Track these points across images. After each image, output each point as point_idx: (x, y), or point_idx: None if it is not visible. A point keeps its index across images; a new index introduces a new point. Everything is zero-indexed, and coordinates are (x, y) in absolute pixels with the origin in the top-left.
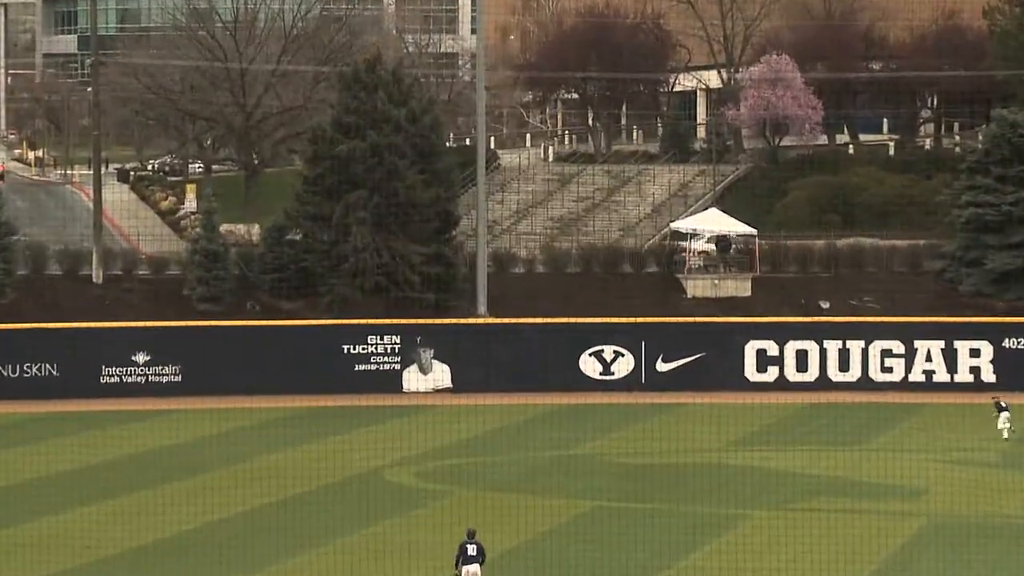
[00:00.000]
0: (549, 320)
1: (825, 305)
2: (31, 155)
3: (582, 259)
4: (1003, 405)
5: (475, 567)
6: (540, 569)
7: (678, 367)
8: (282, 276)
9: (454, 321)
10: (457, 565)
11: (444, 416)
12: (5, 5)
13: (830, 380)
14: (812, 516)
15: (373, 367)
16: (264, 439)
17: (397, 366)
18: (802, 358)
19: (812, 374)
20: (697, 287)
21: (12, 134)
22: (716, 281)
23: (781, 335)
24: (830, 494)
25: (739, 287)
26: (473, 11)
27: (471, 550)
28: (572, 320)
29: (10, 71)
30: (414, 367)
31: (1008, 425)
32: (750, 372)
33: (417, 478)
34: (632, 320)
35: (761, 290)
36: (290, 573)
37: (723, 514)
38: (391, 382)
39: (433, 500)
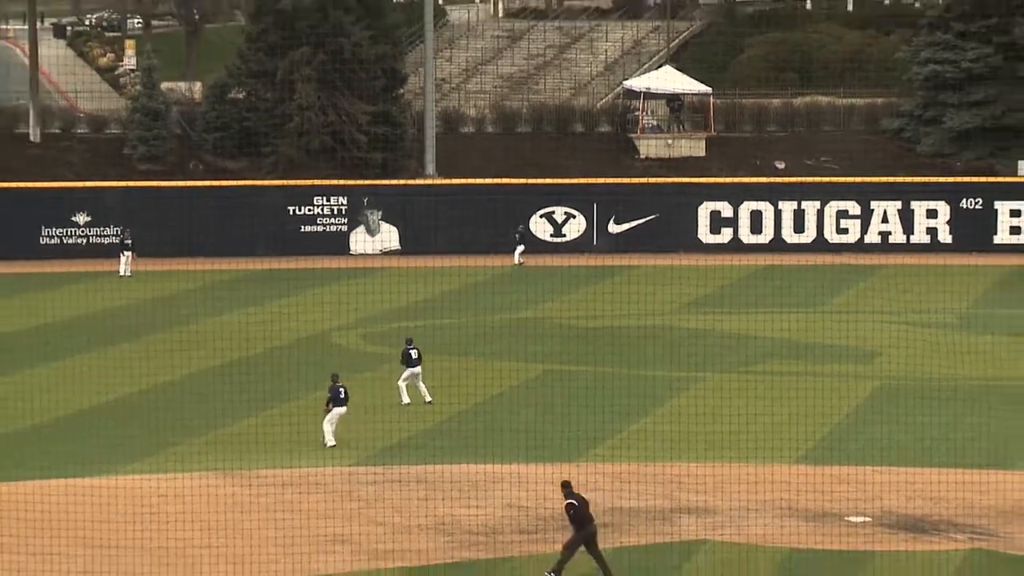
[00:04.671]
0: (499, 181)
1: (781, 165)
2: None
3: (533, 118)
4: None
5: (343, 409)
6: (490, 433)
7: (630, 229)
8: (225, 135)
9: (402, 182)
10: (328, 406)
11: (392, 278)
12: None
13: (785, 242)
14: (766, 379)
15: (320, 228)
16: (209, 302)
17: (344, 228)
18: (757, 219)
19: (767, 235)
20: (650, 147)
21: None
22: (670, 141)
23: (736, 196)
24: (784, 356)
25: (693, 147)
26: None
27: (341, 393)
28: (523, 181)
29: None
30: (361, 229)
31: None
32: (704, 234)
33: (365, 341)
34: (584, 181)
35: (715, 150)
36: (235, 436)
37: (675, 377)
38: (338, 244)
39: (380, 363)
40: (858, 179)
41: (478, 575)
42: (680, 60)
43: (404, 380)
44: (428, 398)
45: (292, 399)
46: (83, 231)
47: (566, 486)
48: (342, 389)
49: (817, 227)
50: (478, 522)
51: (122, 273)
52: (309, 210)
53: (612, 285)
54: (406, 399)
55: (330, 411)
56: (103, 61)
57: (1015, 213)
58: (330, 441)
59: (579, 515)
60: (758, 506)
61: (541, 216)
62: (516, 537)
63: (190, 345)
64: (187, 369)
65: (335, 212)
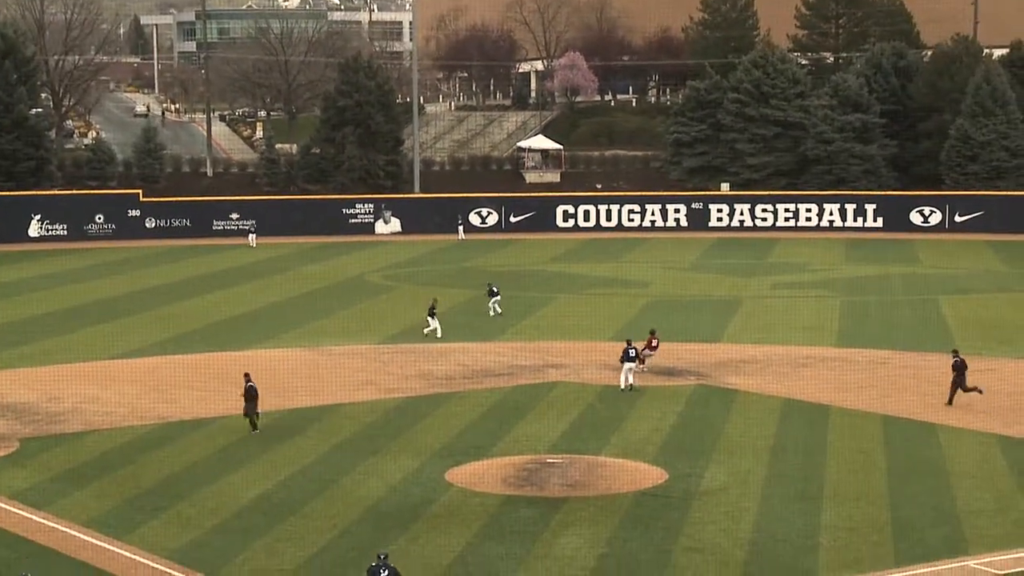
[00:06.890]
0: (453, 195)
1: (599, 186)
2: (173, 107)
3: (470, 162)
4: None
5: (436, 322)
6: (448, 326)
7: (522, 219)
8: (309, 172)
9: (402, 196)
10: (428, 321)
11: (397, 247)
12: (156, 26)
13: (602, 226)
14: (594, 296)
15: (360, 220)
16: (300, 259)
17: (371, 219)
18: (587, 214)
19: (591, 223)
20: (532, 177)
21: (162, 96)
22: (541, 173)
23: (576, 202)
24: (602, 286)
25: (553, 177)
26: (410, 28)
27: (434, 311)
28: (465, 195)
29: (161, 61)
30: (381, 220)
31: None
32: (559, 222)
33: (384, 279)
34: (497, 194)
35: (566, 178)
36: (313, 329)
37: (545, 297)
38: (369, 229)
39: (391, 290)
40: (638, 193)
41: (441, 400)
42: (547, 131)
43: (492, 306)
44: (500, 312)
45: (343, 310)
46: (234, 223)
47: (247, 376)
48: (434, 308)
49: (618, 218)
50: (442, 373)
51: (252, 245)
52: (354, 210)
53: (513, 249)
54: (494, 313)
55: (429, 323)
56: (245, 133)
57: (720, 211)
58: (439, 332)
59: (253, 393)
60: (588, 363)
61: (474, 213)
62: (463, 381)
63: (289, 281)
64: (288, 294)
65: (367, 212)
